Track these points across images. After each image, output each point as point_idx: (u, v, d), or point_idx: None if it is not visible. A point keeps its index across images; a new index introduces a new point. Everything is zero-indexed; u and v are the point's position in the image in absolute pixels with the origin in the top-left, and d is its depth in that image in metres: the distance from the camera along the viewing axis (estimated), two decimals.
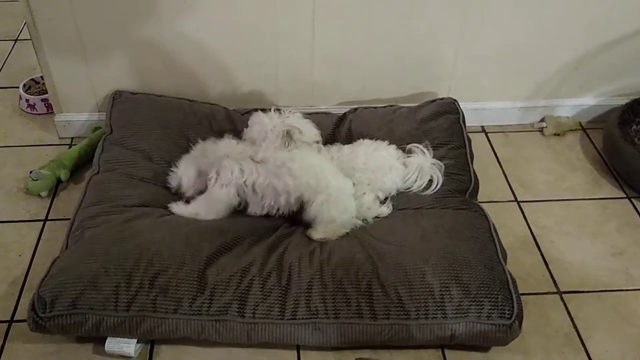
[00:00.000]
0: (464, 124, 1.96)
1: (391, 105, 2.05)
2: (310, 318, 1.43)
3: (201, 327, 1.43)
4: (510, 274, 1.51)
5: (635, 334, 1.56)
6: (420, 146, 1.81)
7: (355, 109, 2.03)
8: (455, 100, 2.02)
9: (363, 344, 1.46)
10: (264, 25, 1.93)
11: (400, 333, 1.43)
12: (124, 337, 1.44)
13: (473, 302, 1.43)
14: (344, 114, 2.01)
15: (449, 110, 1.98)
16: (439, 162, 1.79)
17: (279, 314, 1.43)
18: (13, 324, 1.54)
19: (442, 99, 2.05)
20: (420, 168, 1.76)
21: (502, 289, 1.46)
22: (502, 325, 1.42)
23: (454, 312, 1.43)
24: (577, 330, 1.56)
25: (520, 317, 1.44)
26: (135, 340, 1.45)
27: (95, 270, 1.44)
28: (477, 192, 1.81)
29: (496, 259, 1.54)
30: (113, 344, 1.44)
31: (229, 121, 1.97)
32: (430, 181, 1.77)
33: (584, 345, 1.53)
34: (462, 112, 1.99)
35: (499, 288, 1.46)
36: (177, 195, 1.74)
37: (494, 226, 1.64)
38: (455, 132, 1.91)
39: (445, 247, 1.53)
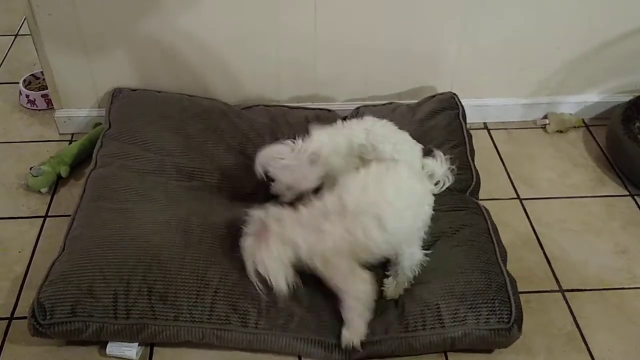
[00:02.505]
0: (464, 119, 1.94)
1: (390, 103, 2.03)
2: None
3: (202, 334, 1.42)
4: (510, 276, 1.50)
5: (638, 332, 1.56)
6: (441, 153, 1.70)
7: (357, 109, 2.02)
8: (454, 94, 2.00)
9: (366, 355, 1.44)
10: (266, 20, 1.91)
11: (400, 347, 1.42)
12: (126, 342, 1.44)
13: (470, 309, 1.42)
14: (345, 118, 1.96)
15: (449, 106, 1.96)
16: (450, 170, 1.72)
17: (282, 325, 1.42)
18: (13, 321, 1.54)
19: (441, 94, 2.03)
20: (432, 173, 1.71)
21: (499, 293, 1.45)
22: (501, 329, 1.41)
23: (451, 320, 1.41)
24: (579, 329, 1.56)
25: (519, 320, 1.42)
26: (137, 343, 1.44)
27: (93, 276, 1.43)
28: (479, 189, 1.80)
29: (494, 261, 1.52)
30: (114, 348, 1.44)
31: (228, 115, 1.96)
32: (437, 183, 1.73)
33: (586, 344, 1.53)
34: (462, 106, 1.97)
35: (496, 292, 1.45)
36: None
37: (493, 226, 1.63)
38: (455, 129, 1.89)
39: (440, 256, 1.52)
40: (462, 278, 1.47)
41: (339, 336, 1.41)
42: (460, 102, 1.98)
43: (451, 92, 2.02)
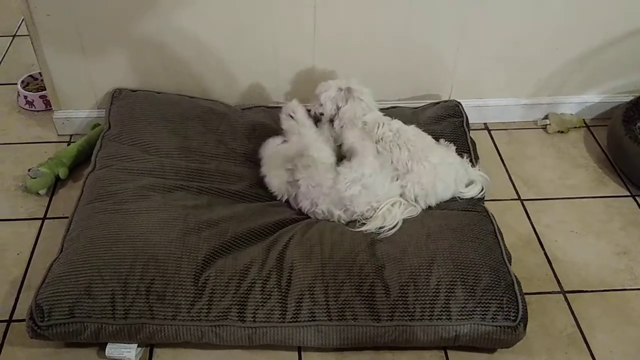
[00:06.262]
0: (468, 127, 1.95)
1: (394, 107, 2.03)
2: (312, 320, 1.42)
3: (201, 332, 1.42)
4: (515, 277, 1.50)
5: None
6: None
7: None
8: (459, 102, 2.01)
9: (365, 345, 1.45)
10: (265, 21, 1.91)
11: (404, 334, 1.42)
12: (125, 343, 1.43)
13: (478, 303, 1.42)
14: None
15: (453, 113, 1.97)
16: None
17: (280, 316, 1.42)
18: (12, 323, 1.53)
19: (445, 101, 2.04)
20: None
21: (508, 291, 1.45)
22: (507, 327, 1.41)
23: (459, 313, 1.42)
24: (581, 331, 1.55)
25: (525, 320, 1.43)
26: (136, 345, 1.44)
27: (90, 276, 1.43)
28: (484, 196, 1.78)
29: (501, 260, 1.53)
30: (114, 350, 1.44)
31: (229, 117, 1.96)
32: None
33: (587, 345, 1.52)
34: (466, 115, 1.97)
35: (504, 290, 1.45)
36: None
37: (498, 229, 1.63)
38: (459, 136, 1.90)
39: (450, 248, 1.52)
40: (472, 272, 1.47)
41: (336, 320, 1.42)
42: (464, 110, 1.99)
43: (455, 100, 2.03)
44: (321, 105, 1.81)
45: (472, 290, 1.44)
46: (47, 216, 1.81)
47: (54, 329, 1.39)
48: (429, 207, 1.70)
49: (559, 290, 1.65)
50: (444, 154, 1.74)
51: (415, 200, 1.67)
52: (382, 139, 1.73)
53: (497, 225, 1.63)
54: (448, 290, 1.43)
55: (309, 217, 1.68)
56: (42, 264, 1.58)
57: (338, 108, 1.79)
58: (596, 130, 2.18)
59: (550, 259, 1.73)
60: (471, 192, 1.72)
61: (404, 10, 1.91)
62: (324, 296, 1.44)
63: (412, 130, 1.76)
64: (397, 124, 1.77)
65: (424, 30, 1.97)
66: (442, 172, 1.68)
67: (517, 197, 1.92)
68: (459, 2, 1.91)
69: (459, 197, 1.71)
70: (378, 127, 1.74)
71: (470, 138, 1.92)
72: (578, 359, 1.49)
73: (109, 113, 1.92)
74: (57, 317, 1.39)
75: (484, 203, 1.74)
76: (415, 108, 2.04)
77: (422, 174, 1.66)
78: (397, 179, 1.68)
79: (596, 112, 2.22)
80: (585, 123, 2.21)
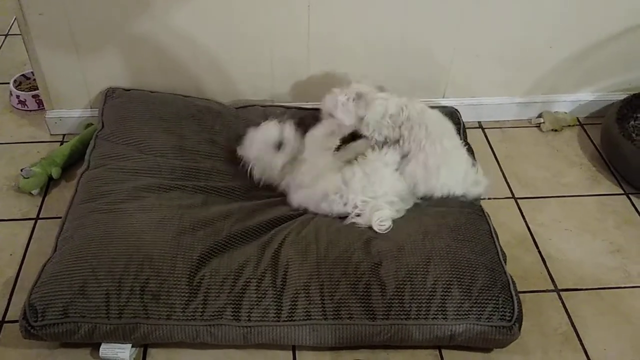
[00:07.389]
0: (465, 135, 1.95)
1: None
2: (307, 319, 1.42)
3: (196, 332, 1.42)
4: (511, 277, 1.50)
5: (634, 331, 1.56)
6: None
7: None
8: (456, 109, 2.02)
9: (361, 344, 1.45)
10: (259, 20, 1.90)
11: (399, 333, 1.42)
12: (119, 343, 1.43)
13: (474, 303, 1.43)
14: None
15: (451, 120, 1.96)
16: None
17: (275, 316, 1.42)
18: (5, 324, 1.52)
19: (444, 107, 2.03)
20: None
21: (504, 291, 1.45)
22: (502, 327, 1.42)
23: (455, 313, 1.42)
24: (575, 329, 1.56)
25: (520, 320, 1.43)
26: (130, 345, 1.44)
27: (84, 276, 1.42)
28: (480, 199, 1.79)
29: (497, 260, 1.53)
30: (107, 350, 1.43)
31: (223, 116, 1.95)
32: None
33: (582, 343, 1.53)
34: (463, 122, 1.98)
35: (500, 290, 1.45)
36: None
37: (494, 228, 1.63)
38: None
39: (447, 247, 1.52)
40: (469, 272, 1.47)
41: (331, 319, 1.41)
42: (461, 117, 1.99)
43: (453, 108, 2.03)
44: (338, 124, 1.75)
45: (468, 290, 1.44)
46: (40, 216, 1.80)
47: (47, 329, 1.38)
48: (426, 199, 1.69)
49: (554, 288, 1.66)
50: (459, 143, 1.76)
51: (415, 187, 1.67)
52: (408, 118, 1.73)
53: (492, 224, 1.64)
54: (444, 290, 1.43)
55: (304, 214, 1.67)
56: (35, 264, 1.57)
57: (360, 118, 1.75)
58: (590, 128, 2.19)
59: (544, 257, 1.73)
60: (475, 191, 1.72)
61: (400, 9, 1.91)
62: (319, 295, 1.43)
63: (435, 114, 1.79)
64: (419, 104, 1.78)
65: (419, 29, 1.97)
66: (450, 158, 1.69)
67: (511, 196, 1.93)
68: (455, 1, 1.91)
69: (464, 194, 1.70)
70: (402, 111, 1.74)
71: (468, 144, 1.92)
72: (572, 357, 1.50)
73: (102, 112, 1.91)
74: (51, 317, 1.38)
75: (480, 202, 1.74)
76: None
77: (430, 154, 1.67)
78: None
79: (590, 110, 2.23)
80: (579, 121, 2.22)
